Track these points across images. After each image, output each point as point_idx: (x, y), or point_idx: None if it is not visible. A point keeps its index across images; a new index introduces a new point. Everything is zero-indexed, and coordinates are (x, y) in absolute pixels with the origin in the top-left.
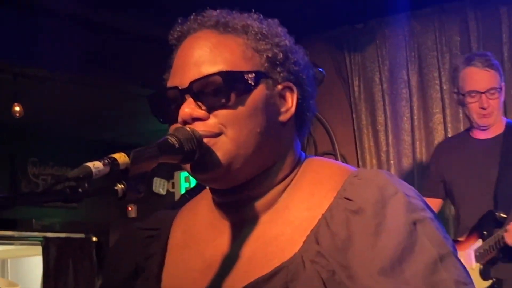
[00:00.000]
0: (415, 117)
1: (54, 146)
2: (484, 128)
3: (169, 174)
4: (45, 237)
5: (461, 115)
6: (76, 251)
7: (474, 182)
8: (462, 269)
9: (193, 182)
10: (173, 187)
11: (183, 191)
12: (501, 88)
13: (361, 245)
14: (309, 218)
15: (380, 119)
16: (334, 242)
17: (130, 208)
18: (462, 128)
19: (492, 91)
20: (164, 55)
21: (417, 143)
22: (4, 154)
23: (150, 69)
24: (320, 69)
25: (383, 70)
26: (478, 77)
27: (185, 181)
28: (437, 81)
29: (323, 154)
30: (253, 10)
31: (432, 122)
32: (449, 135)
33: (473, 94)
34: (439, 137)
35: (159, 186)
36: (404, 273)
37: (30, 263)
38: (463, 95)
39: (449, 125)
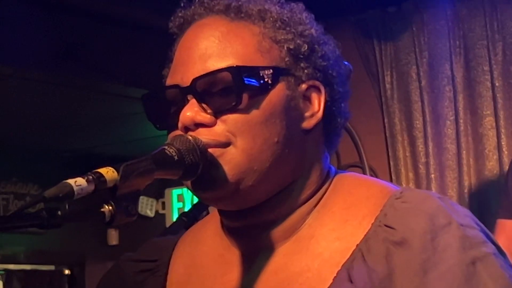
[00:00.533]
0: (461, 121)
1: (17, 159)
2: None
3: (158, 192)
4: (6, 270)
5: None
6: (44, 286)
7: None
8: None
9: (188, 201)
10: (163, 207)
11: (175, 213)
12: None
13: (404, 287)
14: (340, 250)
15: (418, 123)
16: (372, 280)
17: (112, 232)
18: None
19: None
20: (156, 45)
21: (464, 152)
22: None
23: (137, 64)
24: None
25: (421, 63)
26: None
27: (178, 200)
28: (488, 76)
29: (348, 167)
30: None
31: (482, 126)
32: (503, 142)
33: None
34: (490, 145)
35: (146, 206)
36: None
37: None
38: None
39: (502, 130)
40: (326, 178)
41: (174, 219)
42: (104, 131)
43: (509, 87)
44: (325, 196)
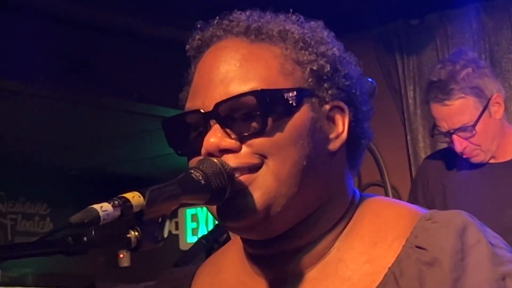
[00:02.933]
0: None
1: (25, 177)
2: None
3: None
4: None
5: None
6: None
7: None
8: None
9: (202, 221)
10: (176, 228)
11: (189, 233)
12: (480, 116)
13: None
14: (371, 274)
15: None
16: None
17: (121, 256)
18: None
19: (463, 130)
20: (168, 61)
21: None
22: None
23: (149, 80)
24: (370, 79)
25: None
26: (440, 116)
27: (192, 220)
28: None
29: (369, 186)
30: (291, 10)
31: None
32: None
33: (444, 135)
34: None
35: None
36: None
37: None
38: None
39: None
40: (352, 201)
41: (188, 240)
42: (114, 149)
43: None
44: (352, 220)
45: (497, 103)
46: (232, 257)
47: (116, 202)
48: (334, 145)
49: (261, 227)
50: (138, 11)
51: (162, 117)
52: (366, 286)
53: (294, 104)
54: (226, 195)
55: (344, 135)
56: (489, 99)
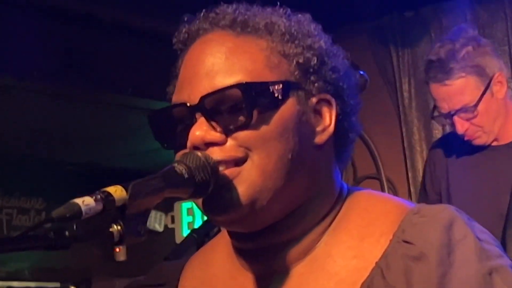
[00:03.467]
0: None
1: (21, 172)
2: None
3: (167, 205)
4: (10, 287)
5: None
6: None
7: (480, 211)
8: None
9: (197, 215)
10: (172, 221)
11: (185, 227)
12: (482, 96)
13: None
14: (358, 269)
15: (437, 132)
16: None
17: (118, 250)
18: None
19: (464, 111)
20: (162, 56)
21: None
22: None
23: (144, 74)
24: (361, 72)
25: None
26: (440, 96)
27: (187, 214)
28: (510, 84)
29: (364, 179)
30: (278, 3)
31: None
32: None
33: (445, 116)
34: None
35: (155, 220)
36: None
37: None
38: None
39: None
40: (339, 195)
41: (184, 234)
42: (109, 143)
43: None
44: (340, 214)
45: (499, 82)
46: (221, 251)
47: (99, 196)
48: (321, 138)
49: (247, 221)
50: (132, 6)
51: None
52: (353, 281)
53: (280, 97)
54: (210, 188)
55: (331, 128)
56: (491, 78)
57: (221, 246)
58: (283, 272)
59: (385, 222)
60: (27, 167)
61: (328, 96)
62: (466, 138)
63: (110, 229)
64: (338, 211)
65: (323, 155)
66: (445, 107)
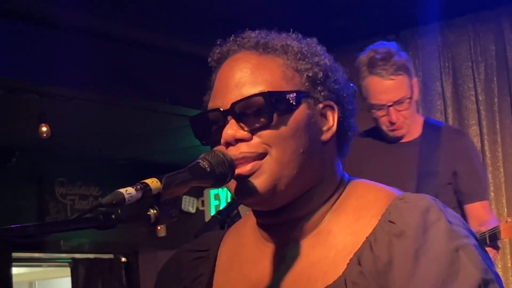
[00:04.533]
0: None
1: (81, 166)
2: (397, 139)
3: (198, 191)
4: (73, 259)
5: (498, 126)
6: (105, 272)
7: None
8: None
9: (223, 199)
10: (202, 205)
11: (212, 209)
12: (411, 93)
13: (400, 270)
14: (352, 243)
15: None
16: (376, 265)
17: (159, 228)
18: (499, 140)
19: (401, 102)
20: (190, 71)
21: None
22: (31, 174)
23: (179, 85)
24: (351, 84)
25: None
26: (382, 89)
27: (214, 198)
28: (472, 92)
29: None
30: (291, 29)
31: (468, 134)
32: (486, 147)
33: (379, 107)
34: None
35: (189, 204)
36: None
37: (59, 285)
38: (370, 105)
39: (485, 137)
40: (341, 182)
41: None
42: (154, 142)
43: (490, 101)
44: (340, 198)
45: (416, 86)
46: (249, 225)
47: (138, 186)
48: (326, 136)
49: (268, 202)
50: (169, 30)
51: (189, 117)
52: (348, 252)
53: (294, 103)
54: (228, 180)
55: (334, 128)
56: (413, 81)
57: (249, 222)
58: (295, 243)
59: (376, 206)
60: (87, 161)
61: (332, 103)
62: (394, 127)
63: (148, 213)
64: (339, 196)
65: (328, 149)
66: (383, 99)
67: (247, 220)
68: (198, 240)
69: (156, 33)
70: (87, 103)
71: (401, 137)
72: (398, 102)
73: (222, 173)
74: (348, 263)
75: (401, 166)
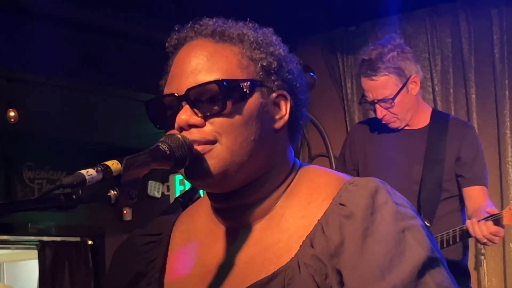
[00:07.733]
0: None
1: (49, 150)
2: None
3: (164, 177)
4: (41, 241)
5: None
6: (72, 255)
7: (396, 179)
8: (449, 278)
9: (188, 185)
10: (168, 190)
11: (177, 194)
12: (399, 91)
13: (350, 250)
14: (305, 226)
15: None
16: (328, 246)
17: (125, 212)
18: None
19: (384, 101)
20: (157, 58)
21: None
22: None
23: (145, 73)
24: (312, 74)
25: None
26: (368, 88)
27: (180, 184)
28: (429, 83)
29: (317, 156)
30: (248, 18)
31: None
32: None
33: (369, 103)
34: None
35: (154, 189)
36: (393, 281)
37: (27, 267)
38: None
39: None
40: (292, 168)
41: None
42: (122, 127)
43: (446, 91)
44: (292, 183)
45: (414, 82)
46: (203, 210)
47: (99, 168)
48: (278, 124)
49: (219, 185)
50: (133, 18)
51: (145, 101)
52: (301, 235)
53: (247, 92)
54: (186, 162)
55: (286, 116)
56: (408, 78)
57: (203, 207)
58: (248, 227)
59: (327, 190)
60: (55, 147)
61: (285, 92)
62: (383, 122)
63: (108, 194)
64: (291, 181)
65: (280, 137)
66: (370, 96)
67: (200, 205)
68: (150, 224)
69: (125, 21)
70: (56, 89)
71: (398, 128)
72: (382, 101)
73: (182, 156)
74: (300, 245)
75: (409, 152)
